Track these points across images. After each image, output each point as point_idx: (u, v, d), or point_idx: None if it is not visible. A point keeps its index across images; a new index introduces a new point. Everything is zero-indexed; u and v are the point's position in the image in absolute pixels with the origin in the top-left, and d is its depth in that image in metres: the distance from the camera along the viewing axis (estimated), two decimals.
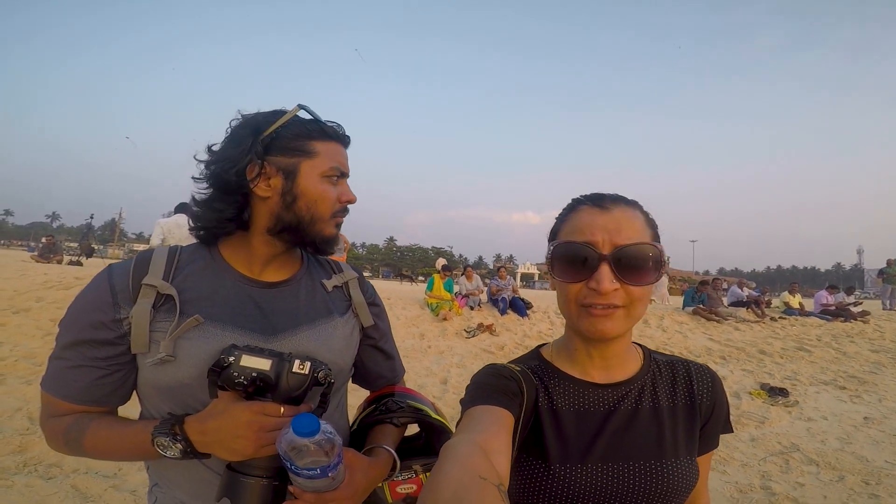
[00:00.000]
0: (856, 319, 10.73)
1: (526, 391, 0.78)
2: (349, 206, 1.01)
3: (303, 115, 0.97)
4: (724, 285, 13.08)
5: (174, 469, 0.89)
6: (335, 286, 1.07)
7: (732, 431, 0.91)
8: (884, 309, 13.28)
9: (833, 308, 11.35)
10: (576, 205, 0.81)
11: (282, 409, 0.78)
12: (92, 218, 71.53)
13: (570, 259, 0.76)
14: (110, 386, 0.87)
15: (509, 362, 0.87)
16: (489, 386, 0.76)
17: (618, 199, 0.78)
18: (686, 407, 0.84)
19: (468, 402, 0.75)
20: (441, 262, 10.97)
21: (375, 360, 1.14)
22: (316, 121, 0.97)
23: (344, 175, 0.99)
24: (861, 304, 12.22)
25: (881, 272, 14.78)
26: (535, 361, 0.88)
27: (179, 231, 6.06)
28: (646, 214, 0.80)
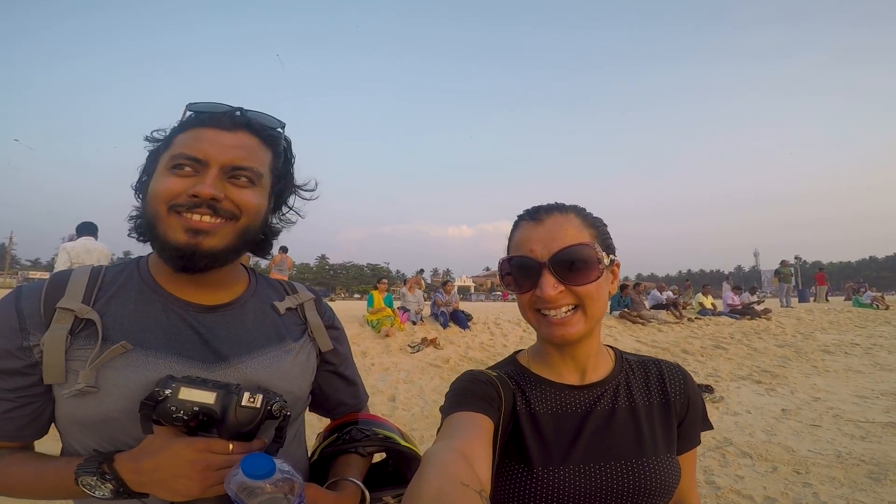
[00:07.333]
0: (760, 317, 11.90)
1: (504, 396, 0.79)
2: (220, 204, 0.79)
3: None
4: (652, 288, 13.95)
5: None
6: (288, 308, 0.97)
7: (712, 428, 0.94)
8: (781, 306, 14.83)
9: (739, 307, 12.50)
10: (519, 221, 0.85)
11: (230, 446, 0.72)
12: None
13: (517, 271, 0.81)
14: (22, 419, 0.77)
15: (486, 368, 0.88)
16: (467, 392, 0.77)
17: (552, 209, 0.82)
18: (661, 405, 0.86)
19: (448, 409, 0.75)
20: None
21: (336, 386, 1.06)
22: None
23: (199, 163, 0.79)
24: (763, 302, 13.53)
25: (777, 272, 16.52)
26: (512, 367, 0.90)
27: (89, 256, 5.38)
28: (584, 217, 0.83)
